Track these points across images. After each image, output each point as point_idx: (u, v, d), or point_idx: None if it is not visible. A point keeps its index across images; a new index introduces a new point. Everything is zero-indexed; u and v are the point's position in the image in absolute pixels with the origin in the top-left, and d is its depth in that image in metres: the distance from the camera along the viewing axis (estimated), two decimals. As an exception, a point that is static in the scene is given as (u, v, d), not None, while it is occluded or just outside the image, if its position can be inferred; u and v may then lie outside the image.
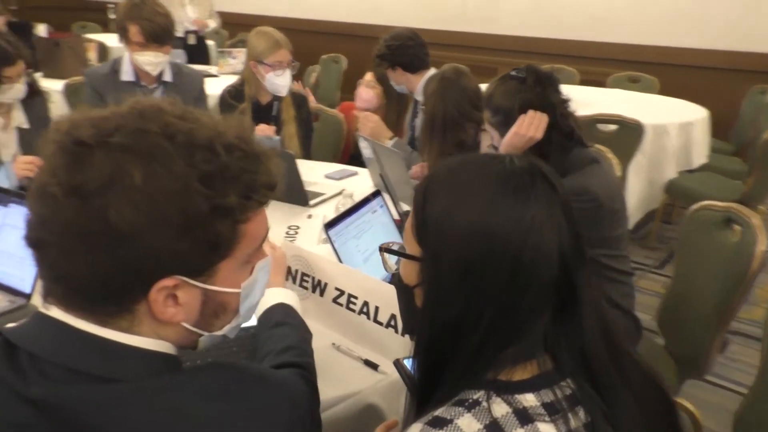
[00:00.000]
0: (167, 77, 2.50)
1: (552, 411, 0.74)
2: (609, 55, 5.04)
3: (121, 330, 0.69)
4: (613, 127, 3.25)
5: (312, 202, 2.05)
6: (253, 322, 1.19)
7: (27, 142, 2.21)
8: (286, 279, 1.41)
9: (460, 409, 0.73)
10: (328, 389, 1.17)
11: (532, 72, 1.67)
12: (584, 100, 3.99)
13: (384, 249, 0.91)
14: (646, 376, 0.85)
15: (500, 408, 0.73)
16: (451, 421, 0.72)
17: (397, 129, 2.80)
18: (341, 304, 1.32)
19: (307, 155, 2.69)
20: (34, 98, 2.25)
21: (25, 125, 2.22)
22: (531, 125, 1.63)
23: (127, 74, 2.46)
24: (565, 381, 0.77)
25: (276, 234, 1.79)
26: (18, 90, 2.09)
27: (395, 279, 0.89)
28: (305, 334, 1.12)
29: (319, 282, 1.36)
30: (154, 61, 2.37)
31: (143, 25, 2.30)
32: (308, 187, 2.15)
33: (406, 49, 2.76)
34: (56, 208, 0.64)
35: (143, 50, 2.35)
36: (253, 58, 2.48)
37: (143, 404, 0.66)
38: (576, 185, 1.62)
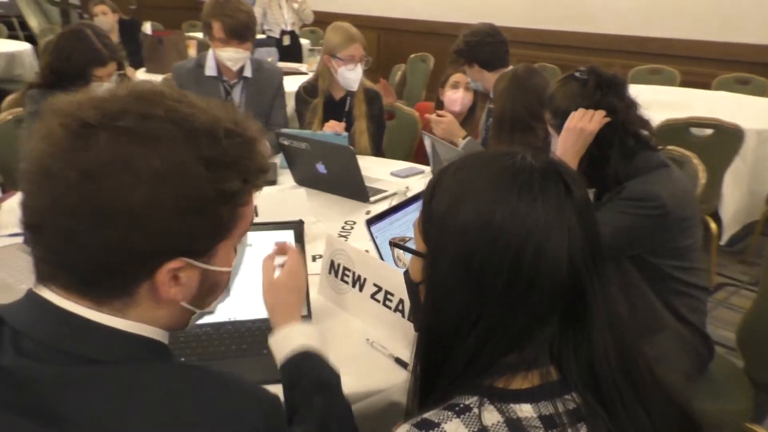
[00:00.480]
0: (247, 73, 2.58)
1: (549, 424, 0.70)
2: (716, 55, 4.71)
3: (114, 311, 0.69)
4: (708, 131, 3.04)
5: (373, 198, 2.06)
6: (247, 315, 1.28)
7: None
8: (329, 272, 1.42)
9: (449, 413, 0.71)
10: (355, 384, 1.17)
11: (593, 74, 1.59)
12: (683, 102, 3.77)
13: (392, 244, 0.90)
14: (668, 397, 0.79)
15: (492, 416, 0.70)
16: (438, 425, 0.70)
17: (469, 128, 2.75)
18: (378, 301, 1.32)
19: (378, 152, 2.70)
20: None
21: None
22: (582, 119, 1.56)
23: (210, 69, 2.56)
24: (569, 394, 0.73)
25: (332, 228, 1.82)
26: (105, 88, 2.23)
27: (405, 275, 0.88)
28: (339, 392, 1.01)
29: (359, 277, 1.36)
30: (235, 56, 2.46)
31: (225, 21, 2.40)
32: (372, 184, 2.16)
33: (483, 45, 2.70)
34: (67, 190, 0.65)
35: (225, 46, 2.44)
36: (327, 52, 2.53)
37: (107, 389, 0.65)
38: (639, 190, 1.53)
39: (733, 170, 3.11)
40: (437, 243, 0.77)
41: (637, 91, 3.68)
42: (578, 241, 0.73)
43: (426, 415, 0.72)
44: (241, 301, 1.31)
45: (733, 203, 3.19)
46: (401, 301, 1.27)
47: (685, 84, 4.61)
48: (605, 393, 0.72)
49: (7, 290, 1.41)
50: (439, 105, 2.90)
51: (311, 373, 0.99)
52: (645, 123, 1.63)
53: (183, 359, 1.19)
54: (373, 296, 1.33)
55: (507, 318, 0.73)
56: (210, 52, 2.56)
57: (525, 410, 0.71)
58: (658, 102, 3.79)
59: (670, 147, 2.46)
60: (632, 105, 1.62)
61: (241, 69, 2.56)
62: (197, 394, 0.68)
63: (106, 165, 0.65)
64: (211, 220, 0.71)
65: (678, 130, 3.04)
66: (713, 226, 3.10)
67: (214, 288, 0.77)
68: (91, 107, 0.68)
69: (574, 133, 1.58)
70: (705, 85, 4.45)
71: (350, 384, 1.16)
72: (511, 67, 2.60)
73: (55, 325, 0.68)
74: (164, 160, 0.66)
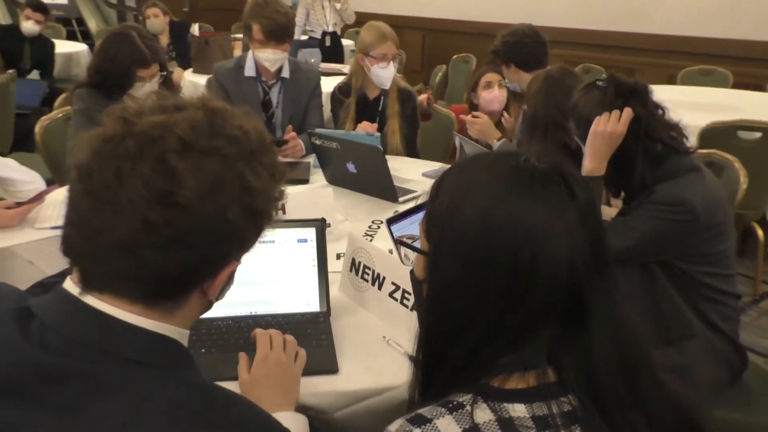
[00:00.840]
0: (285, 73, 2.63)
1: (542, 425, 0.70)
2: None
3: (162, 313, 0.73)
4: (757, 134, 2.94)
5: (402, 198, 2.07)
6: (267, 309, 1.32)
7: None
8: (350, 270, 1.45)
9: (442, 409, 0.72)
10: (369, 380, 1.19)
11: (612, 83, 1.57)
12: (733, 104, 3.66)
13: (398, 242, 0.91)
14: (674, 405, 0.77)
15: (484, 414, 0.71)
16: (430, 421, 0.71)
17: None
18: (396, 299, 1.33)
19: (412, 152, 2.71)
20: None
21: None
22: (610, 121, 1.54)
23: (249, 70, 2.62)
24: (566, 397, 0.73)
25: (359, 228, 1.84)
26: (149, 89, 2.31)
27: (411, 273, 0.89)
28: None
29: (379, 275, 1.37)
30: (272, 57, 2.51)
31: (264, 23, 2.45)
32: (403, 184, 2.17)
33: (521, 46, 2.67)
34: (175, 213, 0.68)
35: (263, 47, 2.49)
36: (361, 51, 2.58)
37: (126, 391, 0.67)
38: (667, 195, 1.50)
39: (785, 176, 2.99)
40: (438, 242, 0.78)
41: (684, 93, 3.60)
42: (580, 245, 0.72)
43: (420, 411, 0.73)
44: (261, 297, 1.35)
45: (786, 210, 3.06)
46: (418, 300, 1.28)
47: (738, 86, 4.46)
48: (602, 397, 0.72)
49: (45, 280, 1.48)
50: (473, 107, 2.88)
51: None
52: (673, 127, 1.59)
53: (204, 350, 1.23)
54: (391, 295, 1.34)
55: (504, 318, 0.73)
56: (249, 53, 2.62)
57: (518, 410, 0.71)
58: (707, 104, 3.69)
59: (711, 150, 2.39)
60: (657, 110, 1.58)
61: (279, 70, 2.61)
62: (212, 417, 0.69)
63: (205, 186, 0.69)
64: (263, 226, 0.78)
65: (725, 133, 2.95)
66: (760, 233, 2.99)
67: (230, 281, 0.81)
68: (185, 126, 0.70)
69: (603, 137, 1.55)
70: (759, 87, 4.30)
71: (364, 380, 1.19)
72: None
73: (86, 323, 0.70)
74: (253, 177, 0.72)
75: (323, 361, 1.21)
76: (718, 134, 2.94)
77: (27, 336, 0.70)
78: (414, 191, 2.14)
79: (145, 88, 2.30)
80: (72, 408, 0.66)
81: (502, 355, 0.75)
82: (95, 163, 0.69)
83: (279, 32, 2.47)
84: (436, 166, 2.47)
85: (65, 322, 0.70)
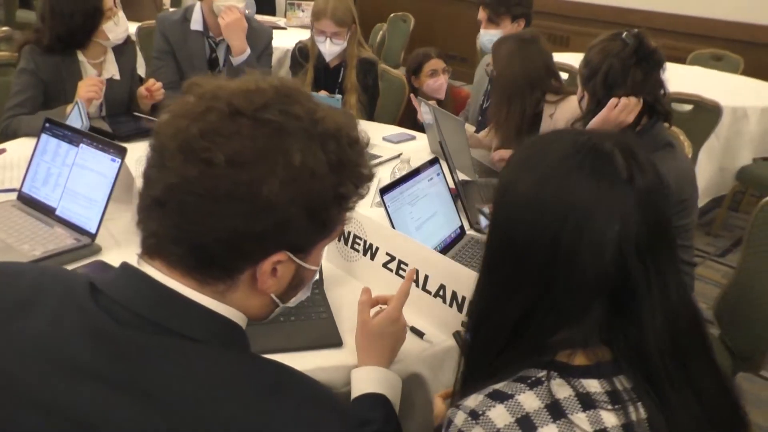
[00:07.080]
0: (235, 30, 2.49)
1: (615, 400, 0.72)
2: (692, 30, 4.78)
3: (215, 293, 0.71)
4: (688, 107, 3.10)
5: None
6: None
7: (114, 93, 2.26)
8: (338, 240, 1.42)
9: (521, 385, 0.73)
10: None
11: (637, 39, 1.58)
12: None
13: (479, 211, 0.92)
14: (719, 381, 0.80)
15: (563, 390, 0.73)
16: (512, 396, 0.72)
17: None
18: (391, 270, 1.33)
19: (370, 118, 2.67)
20: (127, 45, 2.31)
21: (117, 77, 2.27)
22: (621, 111, 1.58)
23: (196, 23, 2.48)
24: (621, 375, 0.75)
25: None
26: (123, 20, 2.15)
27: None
28: None
29: (371, 246, 1.36)
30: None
31: None
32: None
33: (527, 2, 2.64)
34: (209, 172, 0.65)
35: (214, -2, 2.36)
36: (311, 19, 2.48)
37: (198, 368, 0.66)
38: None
39: (708, 146, 3.19)
40: (495, 214, 0.80)
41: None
42: (632, 227, 0.72)
43: (497, 387, 0.73)
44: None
45: (705, 178, 3.27)
46: (416, 271, 1.28)
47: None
48: (654, 377, 0.74)
49: (8, 251, 1.36)
50: (413, 91, 2.87)
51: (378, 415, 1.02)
52: (665, 105, 1.65)
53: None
54: (385, 265, 1.34)
55: (550, 292, 0.74)
56: (197, 6, 2.47)
57: (593, 385, 0.73)
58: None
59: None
60: (657, 82, 1.63)
61: (228, 25, 2.47)
62: (284, 395, 0.68)
63: (254, 156, 0.66)
64: (321, 219, 0.72)
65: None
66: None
67: (299, 284, 0.78)
68: (241, 95, 0.69)
69: (612, 125, 1.60)
70: (680, 60, 4.51)
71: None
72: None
73: (154, 299, 0.69)
74: (299, 156, 0.68)
75: (327, 335, 1.20)
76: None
77: (101, 308, 0.69)
78: (379, 156, 2.12)
79: (121, 19, 2.14)
80: (143, 385, 0.64)
81: (555, 332, 0.75)
82: (172, 126, 0.69)
83: None
84: (396, 131, 2.46)
85: (134, 298, 0.69)
